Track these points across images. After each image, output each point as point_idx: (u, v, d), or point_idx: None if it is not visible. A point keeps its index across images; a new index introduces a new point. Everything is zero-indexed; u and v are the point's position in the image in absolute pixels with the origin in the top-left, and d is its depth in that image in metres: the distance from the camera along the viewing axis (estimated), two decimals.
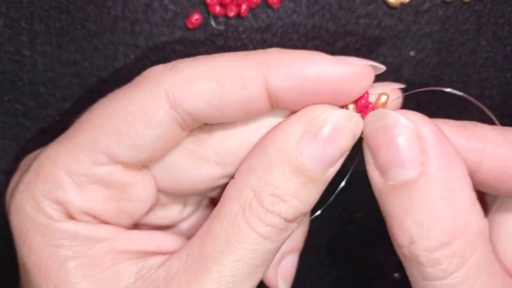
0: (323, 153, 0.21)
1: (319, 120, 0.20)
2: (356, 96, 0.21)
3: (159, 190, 0.24)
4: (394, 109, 0.22)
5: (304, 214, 0.22)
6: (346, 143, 0.21)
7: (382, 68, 0.21)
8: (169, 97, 0.20)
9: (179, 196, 0.26)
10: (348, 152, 0.22)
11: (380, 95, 0.22)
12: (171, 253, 0.22)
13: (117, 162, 0.21)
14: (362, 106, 0.22)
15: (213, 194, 0.27)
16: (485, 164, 0.21)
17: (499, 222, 0.23)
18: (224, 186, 0.23)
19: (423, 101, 0.30)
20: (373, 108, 0.22)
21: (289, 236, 0.22)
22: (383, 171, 0.20)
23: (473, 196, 0.20)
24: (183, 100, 0.20)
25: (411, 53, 0.29)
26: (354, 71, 0.20)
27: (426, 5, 0.28)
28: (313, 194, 0.21)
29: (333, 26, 0.28)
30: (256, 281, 0.22)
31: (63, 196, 0.21)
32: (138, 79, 0.22)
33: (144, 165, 0.23)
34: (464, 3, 0.28)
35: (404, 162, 0.19)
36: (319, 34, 0.28)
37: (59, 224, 0.21)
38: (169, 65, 0.21)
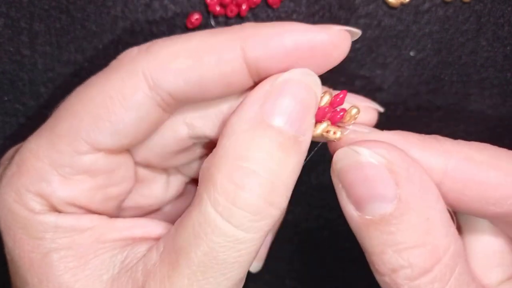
0: (290, 112, 0.19)
1: (280, 80, 0.20)
2: (335, 62, 0.21)
3: (135, 162, 0.24)
4: (363, 135, 0.21)
5: (282, 195, 0.19)
6: (310, 101, 0.20)
7: (357, 32, 0.21)
8: (147, 78, 0.20)
9: (155, 167, 0.25)
10: (313, 120, 0.21)
11: (351, 107, 0.21)
12: (158, 239, 0.21)
13: (99, 149, 0.21)
14: (334, 113, 0.22)
15: (191, 172, 0.27)
16: (446, 185, 0.20)
17: (471, 240, 0.23)
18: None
19: (423, 101, 0.30)
20: (342, 117, 0.21)
21: (268, 228, 0.19)
22: (358, 206, 0.20)
23: (448, 219, 0.20)
24: (162, 80, 0.20)
25: (411, 53, 0.29)
26: (330, 36, 0.20)
27: (426, 5, 0.28)
28: (288, 165, 0.19)
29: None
30: (233, 280, 0.19)
31: (46, 189, 0.21)
32: (113, 63, 0.21)
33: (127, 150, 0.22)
34: (464, 3, 0.28)
35: (380, 197, 0.19)
36: None
37: (40, 217, 0.21)
38: (144, 46, 0.21)
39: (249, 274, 0.37)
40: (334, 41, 0.20)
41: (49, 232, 0.21)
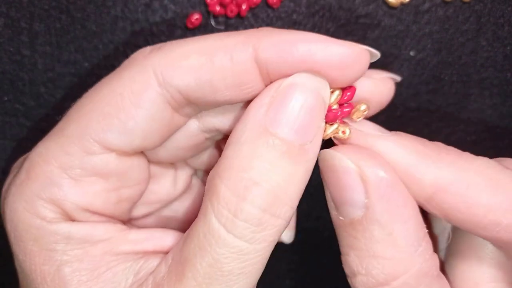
0: (295, 120, 0.19)
1: (284, 85, 0.19)
2: (349, 79, 0.20)
3: (157, 163, 0.24)
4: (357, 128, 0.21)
5: (285, 205, 0.19)
6: (316, 106, 0.19)
7: (377, 54, 0.20)
8: (157, 75, 0.20)
9: (164, 162, 0.25)
10: (323, 124, 0.20)
11: (360, 104, 0.21)
12: (169, 251, 0.21)
13: (110, 149, 0.20)
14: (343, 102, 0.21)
15: (199, 164, 0.26)
16: (437, 199, 0.20)
17: (463, 265, 0.22)
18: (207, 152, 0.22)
19: (423, 101, 0.30)
20: (349, 113, 0.21)
21: (273, 238, 0.19)
22: (336, 206, 0.20)
23: (418, 237, 0.20)
24: (172, 77, 0.19)
25: (411, 53, 0.29)
26: (348, 51, 0.19)
27: (426, 5, 0.28)
28: (292, 174, 0.19)
29: (333, 26, 0.28)
30: None
31: (58, 194, 0.20)
32: (125, 62, 0.21)
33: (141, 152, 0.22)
34: (464, 3, 0.28)
35: (351, 202, 0.20)
36: (319, 34, 0.28)
37: (53, 226, 0.20)
38: (157, 46, 0.21)
39: None
40: (351, 57, 0.19)
41: (61, 243, 0.20)
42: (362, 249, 0.20)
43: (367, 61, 0.20)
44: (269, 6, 0.28)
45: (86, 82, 0.28)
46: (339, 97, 0.21)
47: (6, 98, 0.29)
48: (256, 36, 0.19)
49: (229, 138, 0.20)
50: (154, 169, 0.24)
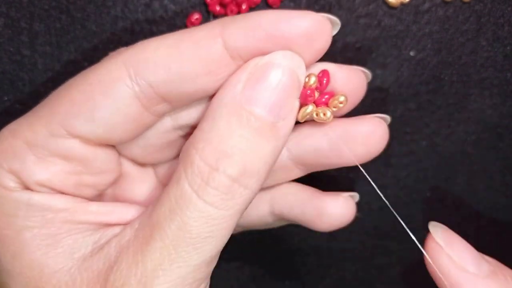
0: (269, 97, 0.20)
1: (261, 63, 0.20)
2: (317, 49, 0.21)
3: (130, 159, 0.24)
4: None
5: (253, 177, 0.20)
6: (292, 85, 0.20)
7: (337, 21, 0.21)
8: (128, 69, 0.20)
9: (139, 161, 0.25)
10: (297, 103, 0.21)
11: (339, 94, 0.22)
12: None
13: (73, 135, 0.21)
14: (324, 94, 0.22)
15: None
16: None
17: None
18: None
19: (423, 101, 0.30)
20: (326, 101, 0.22)
21: (239, 207, 0.20)
22: None
23: None
24: (143, 69, 0.20)
25: (411, 53, 0.29)
26: (308, 22, 0.20)
27: (426, 5, 0.28)
28: (263, 149, 0.20)
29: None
30: (204, 256, 0.20)
31: (19, 166, 0.21)
32: (104, 58, 0.22)
33: (107, 143, 0.23)
34: (464, 3, 0.28)
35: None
36: None
37: (13, 194, 0.21)
38: (132, 45, 0.22)
39: (249, 274, 0.37)
40: (312, 27, 0.20)
41: (22, 209, 0.21)
42: None
43: (329, 28, 0.21)
44: (269, 6, 0.28)
45: None
46: (316, 82, 0.22)
47: (6, 98, 0.29)
48: (221, 25, 0.20)
49: (206, 112, 0.21)
50: (132, 169, 0.25)
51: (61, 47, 0.28)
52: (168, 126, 0.23)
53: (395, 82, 0.30)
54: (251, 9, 0.28)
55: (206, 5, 0.27)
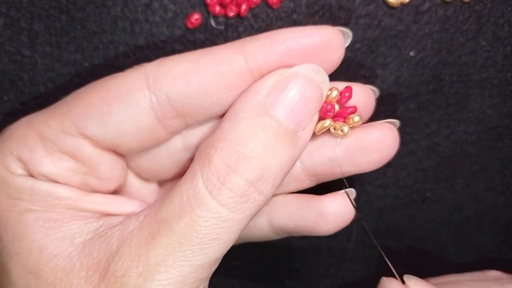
0: (293, 106, 0.20)
1: (289, 73, 0.21)
2: (333, 61, 0.22)
3: (136, 173, 0.25)
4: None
5: (269, 183, 0.20)
6: (315, 97, 0.21)
7: (348, 32, 0.22)
8: (148, 79, 0.21)
9: (145, 176, 0.26)
10: (317, 116, 0.22)
11: (355, 114, 0.23)
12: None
13: (84, 135, 0.22)
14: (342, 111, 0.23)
15: None
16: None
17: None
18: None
19: (423, 101, 0.30)
20: (351, 113, 0.23)
21: (251, 212, 0.20)
22: None
23: None
24: (162, 81, 0.21)
25: (411, 53, 0.29)
26: (321, 36, 0.21)
27: (426, 5, 0.28)
28: (281, 157, 0.20)
29: (333, 26, 0.28)
30: (209, 257, 0.20)
31: (28, 155, 0.21)
32: (127, 69, 0.22)
33: (115, 150, 0.23)
34: (464, 3, 0.28)
35: None
36: None
37: (17, 179, 0.22)
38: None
39: (249, 274, 0.37)
40: (326, 40, 0.21)
41: (26, 193, 0.21)
42: None
43: (341, 39, 0.21)
44: (269, 6, 0.28)
45: (86, 82, 0.28)
46: (337, 96, 0.22)
47: (6, 98, 0.29)
48: (242, 42, 0.21)
49: (227, 113, 0.21)
50: (134, 180, 0.26)
51: (61, 47, 0.28)
52: (178, 146, 0.24)
53: (395, 82, 0.30)
54: (251, 9, 0.28)
55: (206, 5, 0.27)
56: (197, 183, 0.20)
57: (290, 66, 0.21)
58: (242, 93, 0.21)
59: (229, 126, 0.20)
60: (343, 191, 0.26)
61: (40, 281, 0.21)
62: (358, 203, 0.34)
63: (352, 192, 0.26)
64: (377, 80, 0.29)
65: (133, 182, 0.26)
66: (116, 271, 0.20)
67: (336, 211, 0.25)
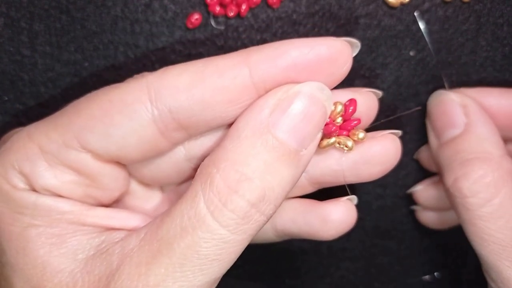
0: (296, 126, 0.20)
1: (292, 91, 0.20)
2: (340, 73, 0.21)
3: (139, 181, 0.25)
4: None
5: (271, 203, 0.20)
6: (318, 116, 0.21)
7: (357, 43, 0.22)
8: (150, 91, 0.20)
9: (148, 183, 0.26)
10: (320, 134, 0.22)
11: (359, 131, 0.23)
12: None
13: (87, 149, 0.21)
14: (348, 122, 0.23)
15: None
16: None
17: None
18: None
19: (423, 101, 0.30)
20: (355, 126, 0.23)
21: (252, 232, 0.20)
22: (438, 133, 0.28)
23: (502, 142, 0.26)
24: (165, 94, 0.20)
25: (411, 53, 0.29)
26: (329, 47, 0.21)
27: (426, 5, 0.28)
28: (283, 177, 0.20)
29: (333, 26, 0.28)
30: (209, 277, 0.20)
31: (29, 169, 0.21)
32: (128, 79, 0.22)
33: (118, 162, 0.23)
34: (464, 3, 0.28)
35: (452, 124, 0.27)
36: (319, 34, 0.28)
37: (21, 193, 0.21)
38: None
39: (249, 274, 0.37)
40: (334, 52, 0.21)
41: (29, 208, 0.21)
42: (463, 155, 0.26)
43: (349, 51, 0.21)
44: (269, 6, 0.28)
45: (86, 82, 0.28)
46: (342, 110, 0.22)
47: (6, 98, 0.29)
48: (247, 53, 0.21)
49: (230, 131, 0.21)
50: (137, 186, 0.25)
51: (61, 47, 0.28)
52: (181, 156, 0.23)
53: (395, 82, 0.30)
54: (251, 9, 0.28)
55: (206, 5, 0.27)
56: (199, 203, 0.19)
57: (295, 81, 0.21)
58: (245, 108, 0.21)
59: (231, 145, 0.20)
60: (345, 198, 0.26)
61: None
62: (358, 203, 0.34)
63: (354, 199, 0.26)
64: (377, 80, 0.30)
65: (136, 188, 0.26)
66: None
67: (339, 218, 0.26)
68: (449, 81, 0.29)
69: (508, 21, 0.29)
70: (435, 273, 0.35)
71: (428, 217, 0.32)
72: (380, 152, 0.24)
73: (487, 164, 0.25)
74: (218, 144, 0.21)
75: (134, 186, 0.25)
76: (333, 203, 0.26)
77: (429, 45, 0.27)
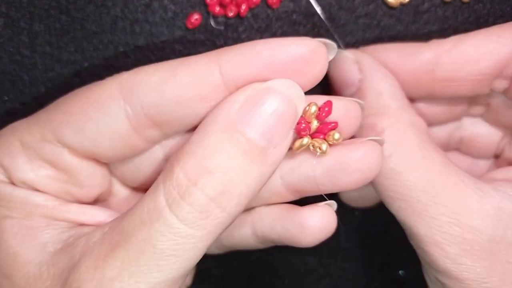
0: (264, 122, 0.20)
1: (261, 88, 0.20)
2: (315, 75, 0.21)
3: (122, 182, 0.25)
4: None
5: (233, 200, 0.19)
6: (288, 114, 0.20)
7: (333, 45, 0.21)
8: (122, 89, 0.21)
9: (133, 185, 0.26)
10: (291, 132, 0.21)
11: (335, 131, 0.22)
12: None
13: (63, 144, 0.22)
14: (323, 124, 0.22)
15: None
16: (440, 70, 0.25)
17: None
18: None
19: None
20: (332, 128, 0.22)
21: (213, 229, 0.19)
22: (338, 93, 0.27)
23: (401, 93, 0.25)
24: (137, 92, 0.21)
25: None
26: (303, 48, 0.20)
27: (426, 5, 0.28)
28: (248, 173, 0.20)
29: (333, 26, 0.28)
30: (166, 275, 0.19)
31: (9, 162, 0.22)
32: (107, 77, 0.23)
33: (95, 159, 0.23)
34: (464, 3, 0.28)
35: (349, 83, 0.26)
36: (319, 34, 0.28)
37: None
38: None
39: (249, 274, 0.37)
40: (306, 52, 0.20)
41: (5, 200, 0.22)
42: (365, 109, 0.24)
43: (324, 53, 0.21)
44: (268, 6, 0.28)
45: (86, 82, 0.28)
46: (316, 111, 0.22)
47: (6, 98, 0.29)
48: (218, 53, 0.21)
49: (199, 126, 0.21)
50: (121, 189, 0.26)
51: (61, 47, 0.28)
52: (159, 156, 0.24)
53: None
54: (250, 9, 0.28)
55: (206, 5, 0.27)
56: (158, 196, 0.19)
57: (266, 80, 0.20)
58: (214, 106, 0.21)
59: (197, 139, 0.20)
60: (323, 203, 0.25)
61: (13, 285, 0.21)
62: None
63: (333, 204, 0.25)
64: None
65: (120, 191, 0.26)
66: (74, 282, 0.19)
67: (316, 224, 0.24)
68: (345, 42, 0.28)
69: (507, 21, 0.29)
70: (399, 272, 0.35)
71: (348, 196, 0.31)
72: (358, 159, 0.22)
73: (382, 119, 0.24)
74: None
75: (119, 187, 0.26)
76: (310, 208, 0.24)
77: (321, 15, 0.26)
